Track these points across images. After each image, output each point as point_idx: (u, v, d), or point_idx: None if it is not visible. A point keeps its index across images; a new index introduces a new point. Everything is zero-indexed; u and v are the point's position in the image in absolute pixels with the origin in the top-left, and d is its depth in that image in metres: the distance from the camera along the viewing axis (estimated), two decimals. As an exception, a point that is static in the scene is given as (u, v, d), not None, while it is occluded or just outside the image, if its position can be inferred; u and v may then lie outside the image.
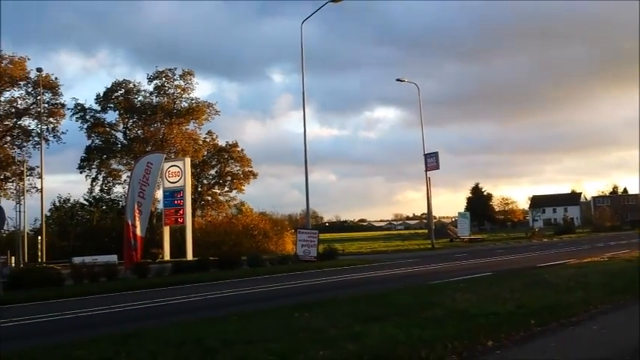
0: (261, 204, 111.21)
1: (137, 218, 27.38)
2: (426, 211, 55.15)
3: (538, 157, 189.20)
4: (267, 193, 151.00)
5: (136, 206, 27.42)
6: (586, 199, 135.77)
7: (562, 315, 9.83)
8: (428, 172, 47.87)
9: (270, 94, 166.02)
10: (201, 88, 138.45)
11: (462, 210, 78.86)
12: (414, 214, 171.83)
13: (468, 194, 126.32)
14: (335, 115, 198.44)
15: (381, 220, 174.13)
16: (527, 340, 8.33)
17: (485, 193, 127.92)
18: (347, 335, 8.34)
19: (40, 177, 41.10)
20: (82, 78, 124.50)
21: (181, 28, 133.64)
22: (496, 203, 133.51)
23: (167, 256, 37.05)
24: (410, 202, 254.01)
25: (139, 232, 27.51)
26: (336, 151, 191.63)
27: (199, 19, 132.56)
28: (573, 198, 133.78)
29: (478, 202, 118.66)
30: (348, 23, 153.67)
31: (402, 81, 49.14)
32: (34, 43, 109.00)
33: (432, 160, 47.40)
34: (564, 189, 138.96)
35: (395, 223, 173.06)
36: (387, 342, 7.86)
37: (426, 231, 61.89)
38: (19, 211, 36.34)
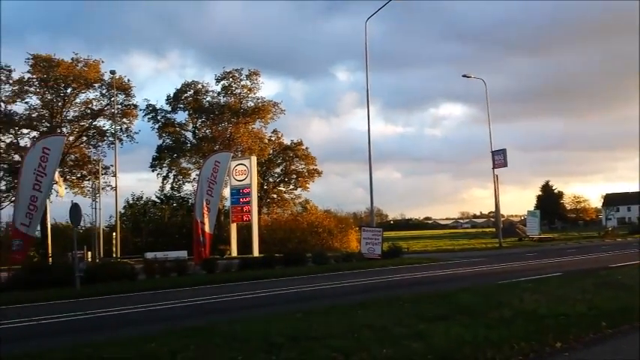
0: (326, 202, 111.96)
1: (205, 215, 28.03)
2: (493, 210, 54.03)
3: (611, 153, 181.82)
4: (332, 191, 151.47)
5: (204, 204, 28.08)
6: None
7: (635, 317, 9.48)
8: (495, 170, 46.90)
9: (336, 92, 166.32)
10: (267, 88, 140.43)
11: (532, 208, 76.68)
12: (480, 213, 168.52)
13: (538, 192, 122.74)
14: (400, 112, 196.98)
15: (446, 219, 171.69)
16: (598, 342, 8.09)
17: (555, 191, 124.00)
18: (411, 334, 8.32)
19: (115, 175, 42.75)
20: (154, 79, 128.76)
21: (248, 28, 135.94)
22: (567, 201, 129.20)
23: (234, 253, 37.90)
24: (477, 200, 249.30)
25: (207, 229, 28.16)
26: (401, 149, 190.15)
27: (266, 19, 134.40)
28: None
29: (548, 200, 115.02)
30: (413, 20, 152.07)
31: (468, 77, 48.25)
32: (107, 46, 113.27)
33: (499, 157, 46.39)
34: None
35: (461, 221, 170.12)
36: (453, 341, 7.79)
37: (494, 229, 60.58)
38: (95, 208, 37.92)
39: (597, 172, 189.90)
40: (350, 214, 67.51)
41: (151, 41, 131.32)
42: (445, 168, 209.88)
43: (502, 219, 61.06)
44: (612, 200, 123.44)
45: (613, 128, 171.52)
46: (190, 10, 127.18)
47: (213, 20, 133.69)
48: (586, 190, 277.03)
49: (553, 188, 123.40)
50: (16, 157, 41.86)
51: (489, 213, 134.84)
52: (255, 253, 36.40)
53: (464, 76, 48.36)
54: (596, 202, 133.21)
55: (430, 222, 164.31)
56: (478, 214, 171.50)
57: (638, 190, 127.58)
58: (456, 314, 9.89)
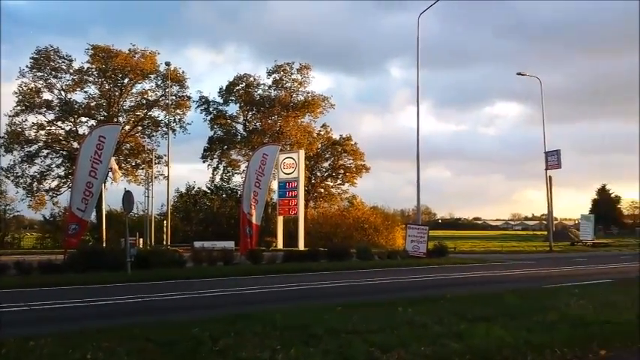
0: (375, 198, 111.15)
1: (253, 207, 28.36)
2: (545, 212, 52.75)
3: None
4: (381, 188, 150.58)
5: (252, 195, 28.42)
6: None
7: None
8: (549, 171, 45.87)
9: (389, 88, 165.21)
10: (320, 83, 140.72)
11: (586, 212, 74.67)
12: (532, 215, 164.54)
13: (594, 196, 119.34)
14: (453, 110, 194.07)
15: (497, 220, 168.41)
16: (644, 352, 7.87)
17: (612, 196, 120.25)
18: (451, 333, 8.27)
19: (167, 165, 43.86)
20: (210, 72, 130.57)
21: (304, 24, 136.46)
22: (625, 206, 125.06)
23: (280, 245, 38.28)
24: (529, 202, 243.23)
25: (254, 220, 28.50)
26: (452, 147, 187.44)
27: (322, 14, 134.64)
28: None
29: (604, 204, 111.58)
30: (469, 16, 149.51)
31: (523, 75, 47.23)
32: (166, 39, 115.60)
33: (553, 158, 45.33)
34: None
35: (512, 222, 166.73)
36: (492, 343, 7.70)
37: (545, 232, 59.20)
38: (148, 196, 39.00)
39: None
40: (397, 212, 67.20)
41: (209, 35, 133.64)
42: (498, 168, 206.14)
43: (554, 222, 59.70)
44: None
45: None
46: (249, 5, 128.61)
47: (271, 15, 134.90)
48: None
49: (610, 192, 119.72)
50: (75, 145, 43.34)
51: (541, 215, 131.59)
52: (301, 246, 36.67)
53: (518, 73, 47.39)
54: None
55: (480, 222, 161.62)
56: (530, 216, 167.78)
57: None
58: (498, 316, 9.77)
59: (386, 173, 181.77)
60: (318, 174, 55.15)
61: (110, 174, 32.96)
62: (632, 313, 10.12)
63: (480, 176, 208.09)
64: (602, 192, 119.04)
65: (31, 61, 44.04)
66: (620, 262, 28.74)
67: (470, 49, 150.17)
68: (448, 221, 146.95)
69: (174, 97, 47.66)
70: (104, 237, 30.97)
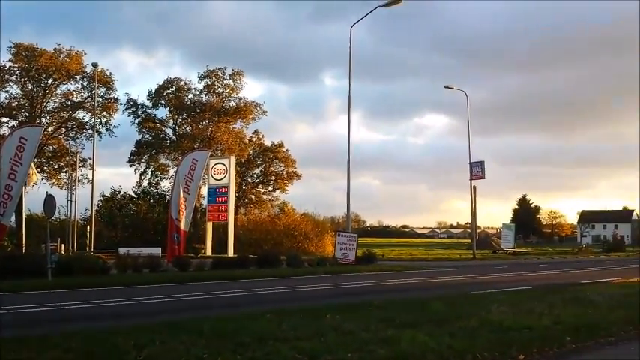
0: (306, 205, 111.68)
1: (181, 213, 27.96)
2: (470, 221, 54.44)
3: (593, 170, 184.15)
4: (313, 195, 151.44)
5: (181, 201, 28.01)
6: (638, 217, 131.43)
7: (600, 334, 9.64)
8: (473, 181, 47.41)
9: (322, 97, 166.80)
10: (254, 90, 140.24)
11: (508, 221, 77.53)
12: (457, 223, 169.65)
13: (515, 206, 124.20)
14: (384, 120, 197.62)
15: (424, 228, 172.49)
16: (560, 356, 8.24)
17: (532, 206, 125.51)
18: (378, 339, 8.40)
19: (92, 168, 42.53)
20: (140, 76, 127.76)
21: (239, 30, 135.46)
22: (543, 216, 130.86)
23: (209, 252, 37.75)
24: (455, 211, 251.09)
25: (182, 226, 28.09)
26: (382, 157, 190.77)
27: (257, 22, 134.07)
28: (625, 215, 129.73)
29: (524, 214, 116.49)
30: (402, 29, 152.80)
31: (450, 88, 48.71)
32: (96, 40, 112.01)
33: (477, 169, 46.86)
34: (618, 205, 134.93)
35: (438, 231, 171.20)
36: (417, 348, 7.88)
37: (469, 241, 61.07)
38: (71, 201, 37.60)
39: (577, 188, 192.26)
40: (328, 219, 67.73)
41: (140, 38, 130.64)
42: (425, 178, 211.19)
43: (478, 231, 61.70)
44: (588, 217, 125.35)
45: (596, 146, 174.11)
46: (182, 9, 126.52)
47: (204, 20, 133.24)
48: (565, 206, 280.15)
49: (530, 203, 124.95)
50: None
51: (466, 224, 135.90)
52: (230, 253, 36.32)
53: (446, 86, 48.84)
54: (573, 219, 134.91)
55: (407, 230, 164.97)
56: (455, 224, 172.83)
57: (614, 209, 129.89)
58: (423, 322, 9.98)
59: (317, 181, 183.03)
60: (249, 180, 54.85)
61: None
62: (549, 319, 10.57)
63: (409, 185, 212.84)
64: (523, 202, 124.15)
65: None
66: (538, 270, 29.99)
67: (402, 61, 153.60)
68: (377, 229, 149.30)
69: (100, 99, 46.33)
70: (24, 242, 29.71)
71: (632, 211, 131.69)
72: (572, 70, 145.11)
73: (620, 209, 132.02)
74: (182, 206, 27.98)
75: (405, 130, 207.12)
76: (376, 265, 29.92)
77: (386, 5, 31.43)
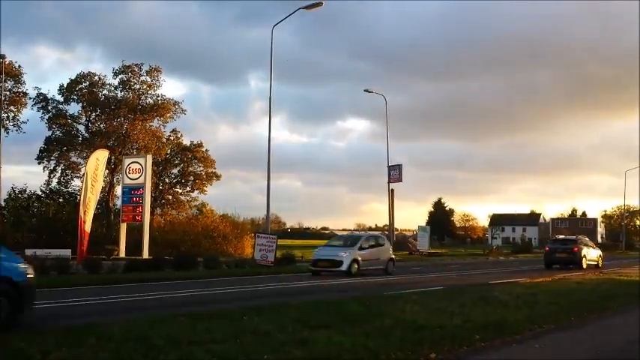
0: (226, 207, 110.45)
1: (86, 213, 27.14)
2: (387, 223, 55.44)
3: (504, 176, 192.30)
4: (234, 196, 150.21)
5: (87, 201, 27.20)
6: (545, 220, 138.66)
7: (507, 332, 10.00)
8: (391, 184, 48.35)
9: (246, 99, 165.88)
10: (176, 89, 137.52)
11: (423, 224, 79.65)
12: (376, 225, 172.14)
13: (430, 208, 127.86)
14: (307, 123, 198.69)
15: (343, 229, 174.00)
16: (470, 354, 8.46)
17: (447, 209, 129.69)
18: (294, 340, 8.36)
19: (-2, 165, 40.19)
20: (58, 71, 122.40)
21: (162, 29, 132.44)
22: (457, 219, 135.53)
23: (122, 254, 36.54)
24: (374, 214, 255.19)
25: (86, 227, 27.23)
26: (304, 159, 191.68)
27: (181, 20, 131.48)
28: (532, 218, 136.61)
29: (440, 216, 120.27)
30: (324, 33, 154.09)
31: (370, 92, 49.47)
32: (11, 35, 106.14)
33: (395, 173, 47.87)
34: (527, 209, 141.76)
35: (357, 232, 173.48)
36: (333, 349, 7.91)
37: (386, 242, 62.18)
38: (-28, 200, 35.43)
39: (489, 192, 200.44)
40: (248, 220, 67.12)
41: (57, 33, 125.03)
42: (345, 180, 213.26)
43: (396, 232, 62.97)
44: (498, 220, 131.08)
45: (507, 153, 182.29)
46: (103, 5, 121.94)
47: (127, 17, 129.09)
48: (478, 210, 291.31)
49: (445, 205, 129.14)
50: None
51: (384, 226, 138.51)
52: (145, 254, 35.30)
53: (366, 90, 49.55)
54: (485, 222, 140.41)
55: (327, 232, 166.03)
56: (374, 226, 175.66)
57: (523, 212, 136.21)
58: (339, 322, 10.03)
59: (239, 182, 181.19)
60: (167, 180, 53.63)
61: None
62: (460, 318, 10.88)
63: (329, 187, 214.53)
64: (438, 205, 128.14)
65: None
66: (451, 271, 30.94)
67: (325, 65, 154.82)
68: (297, 230, 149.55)
69: (7, 93, 43.96)
70: None
71: (539, 215, 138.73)
72: (487, 79, 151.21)
73: (529, 213, 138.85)
74: (87, 206, 27.27)
75: (327, 133, 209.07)
76: (296, 267, 29.94)
77: (307, 8, 31.49)
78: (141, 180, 37.09)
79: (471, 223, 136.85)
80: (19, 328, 9.27)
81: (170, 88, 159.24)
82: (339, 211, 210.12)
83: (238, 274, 24.97)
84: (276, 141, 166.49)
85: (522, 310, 12.45)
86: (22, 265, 10.26)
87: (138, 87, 50.22)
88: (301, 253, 41.53)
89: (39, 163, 48.95)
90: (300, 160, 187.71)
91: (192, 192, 54.05)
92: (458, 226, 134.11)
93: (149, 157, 39.20)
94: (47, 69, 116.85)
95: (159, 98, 50.67)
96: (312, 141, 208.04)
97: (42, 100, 48.57)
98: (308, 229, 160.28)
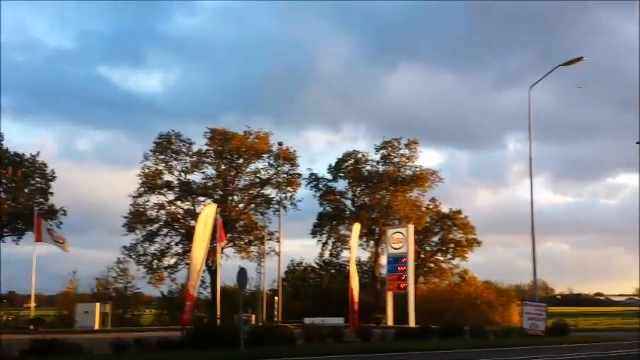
0: (487, 273, 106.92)
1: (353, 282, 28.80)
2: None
3: None
4: (494, 262, 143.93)
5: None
6: None
7: None
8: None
9: (504, 162, 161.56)
10: (432, 158, 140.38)
11: None
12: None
13: None
14: (571, 182, 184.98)
15: (620, 295, 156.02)
16: None
17: None
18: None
19: (279, 241, 44.94)
20: (327, 152, 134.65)
21: (419, 102, 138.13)
22: None
23: (390, 322, 37.70)
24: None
25: (355, 296, 28.76)
26: (570, 220, 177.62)
27: (437, 92, 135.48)
28: None
29: None
30: (587, 87, 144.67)
31: (644, 144, 44.86)
32: (289, 122, 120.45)
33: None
34: None
35: (637, 298, 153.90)
36: None
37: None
38: (260, 273, 40.02)
39: None
40: (512, 287, 64.36)
41: (327, 116, 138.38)
42: (620, 241, 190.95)
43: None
44: None
45: None
46: (365, 85, 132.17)
47: (387, 94, 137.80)
48: None
49: None
50: (192, 223, 45.56)
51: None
52: (412, 323, 35.92)
53: (638, 143, 45.05)
54: None
55: (602, 298, 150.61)
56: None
57: None
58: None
59: (499, 247, 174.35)
60: (428, 248, 54.25)
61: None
62: None
63: (601, 249, 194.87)
64: None
65: (154, 145, 47.41)
66: None
67: (588, 121, 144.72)
68: (567, 297, 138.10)
69: (285, 175, 49.34)
70: (218, 313, 31.76)
71: None
72: None
73: None
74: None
75: (594, 192, 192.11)
76: (569, 337, 27.78)
77: (567, 64, 30.63)
78: (404, 249, 38.33)
79: None
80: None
81: (427, 157, 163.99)
82: (613, 274, 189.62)
83: (507, 344, 23.98)
84: (539, 203, 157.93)
85: None
86: None
87: (397, 160, 52.45)
88: (574, 321, 38.41)
89: (313, 237, 53.36)
90: (566, 221, 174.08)
91: (454, 259, 53.74)
92: None
93: (410, 227, 40.39)
94: (317, 150, 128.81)
95: (417, 169, 52.25)
96: (577, 201, 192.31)
97: (314, 179, 53.37)
98: (579, 295, 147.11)
